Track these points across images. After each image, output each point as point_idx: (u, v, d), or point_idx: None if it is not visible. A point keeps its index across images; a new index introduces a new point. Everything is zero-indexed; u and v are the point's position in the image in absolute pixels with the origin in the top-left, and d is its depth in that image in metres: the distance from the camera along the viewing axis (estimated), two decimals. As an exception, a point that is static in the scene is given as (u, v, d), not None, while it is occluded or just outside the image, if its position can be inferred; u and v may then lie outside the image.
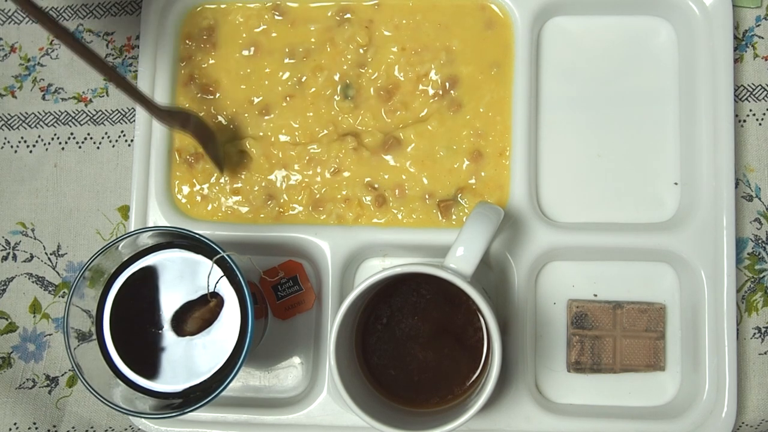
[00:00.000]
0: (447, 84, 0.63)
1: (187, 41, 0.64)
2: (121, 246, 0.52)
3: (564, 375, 0.61)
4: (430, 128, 0.62)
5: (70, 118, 0.67)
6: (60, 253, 0.66)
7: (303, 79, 0.63)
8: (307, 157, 0.63)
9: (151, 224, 0.62)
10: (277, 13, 0.64)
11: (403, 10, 0.63)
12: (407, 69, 0.63)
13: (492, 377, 0.50)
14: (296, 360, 0.63)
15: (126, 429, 0.64)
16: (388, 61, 0.63)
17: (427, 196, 0.62)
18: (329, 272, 0.61)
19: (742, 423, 0.61)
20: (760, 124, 0.63)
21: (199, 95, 0.64)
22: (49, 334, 0.65)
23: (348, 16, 0.64)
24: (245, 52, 0.64)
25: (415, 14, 0.63)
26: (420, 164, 0.62)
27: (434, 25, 0.63)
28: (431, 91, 0.63)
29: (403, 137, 0.62)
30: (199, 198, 0.63)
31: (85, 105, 0.67)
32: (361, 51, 0.63)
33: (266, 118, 0.63)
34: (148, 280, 0.53)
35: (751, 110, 0.63)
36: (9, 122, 0.67)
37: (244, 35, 0.64)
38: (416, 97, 0.63)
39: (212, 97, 0.64)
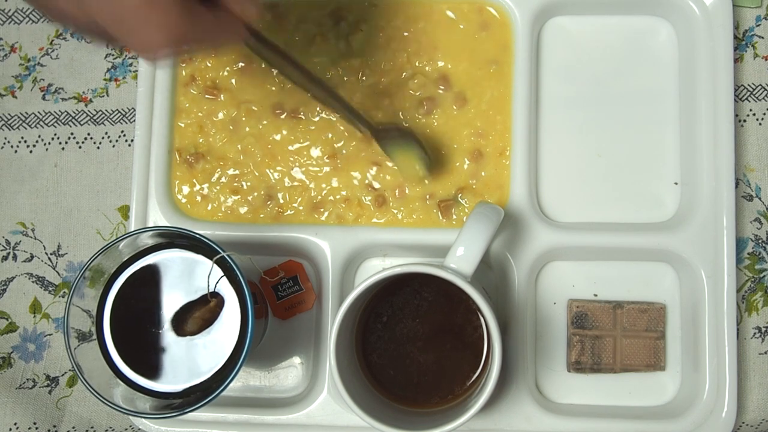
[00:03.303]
0: (446, 82, 0.63)
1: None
2: (121, 246, 0.52)
3: (564, 375, 0.61)
4: (430, 129, 0.62)
5: (70, 118, 0.67)
6: (60, 253, 0.66)
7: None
8: (307, 158, 0.63)
9: (151, 224, 0.62)
10: (275, 14, 0.64)
11: (401, 8, 0.63)
12: (405, 67, 0.63)
13: (492, 377, 0.50)
14: (296, 360, 0.63)
15: (126, 429, 0.64)
16: (384, 60, 0.63)
17: (427, 196, 0.62)
18: (329, 272, 0.61)
19: (742, 423, 0.61)
20: (760, 124, 0.63)
21: (199, 96, 0.64)
22: (49, 334, 0.65)
23: (343, 15, 0.64)
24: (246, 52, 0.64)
25: (412, 13, 0.63)
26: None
27: (432, 24, 0.63)
28: (430, 90, 0.63)
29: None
30: (199, 198, 0.63)
31: (85, 105, 0.67)
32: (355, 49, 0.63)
33: (264, 122, 0.63)
34: (148, 280, 0.53)
35: (751, 110, 0.63)
36: (9, 122, 0.67)
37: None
38: (414, 95, 0.63)
39: (213, 98, 0.64)
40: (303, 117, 0.63)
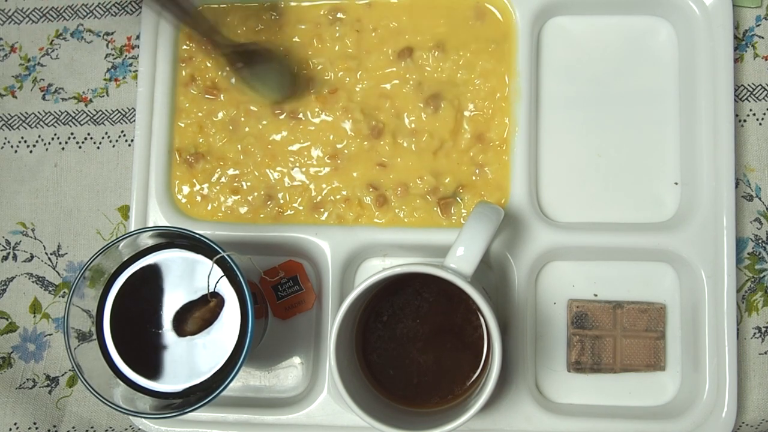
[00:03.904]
0: (442, 82, 0.63)
1: (188, 43, 0.64)
2: (121, 246, 0.52)
3: (564, 375, 0.61)
4: (427, 125, 0.62)
5: (70, 118, 0.67)
6: (60, 253, 0.66)
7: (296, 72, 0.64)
8: (307, 158, 0.63)
9: (151, 224, 0.62)
10: (274, 14, 0.64)
11: (399, 8, 0.63)
12: (401, 64, 0.63)
13: (492, 377, 0.50)
14: (296, 360, 0.63)
15: (126, 429, 0.64)
16: (379, 60, 0.63)
17: (428, 196, 0.62)
18: (329, 272, 0.61)
19: (743, 423, 0.61)
20: (760, 124, 0.63)
21: (199, 96, 0.64)
22: (49, 334, 0.65)
23: (340, 15, 0.64)
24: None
25: (410, 12, 0.63)
26: (420, 162, 0.62)
27: (430, 23, 0.63)
28: (425, 88, 0.63)
29: (402, 135, 0.62)
30: (199, 198, 0.63)
31: (85, 105, 0.67)
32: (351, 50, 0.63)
33: (264, 122, 0.63)
34: (148, 280, 0.53)
35: (751, 110, 0.63)
36: (9, 122, 0.67)
37: (242, 40, 0.64)
38: (418, 95, 0.63)
39: (213, 98, 0.64)
40: (303, 117, 0.63)
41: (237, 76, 0.62)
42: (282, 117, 0.63)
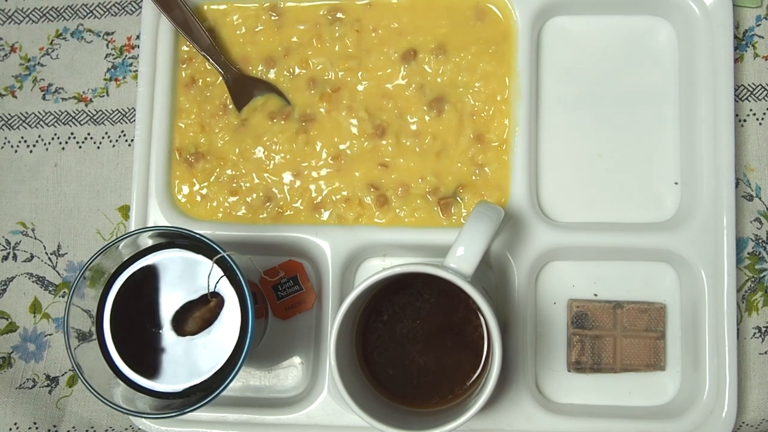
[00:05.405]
0: (442, 82, 0.63)
1: (188, 44, 0.64)
2: (121, 246, 0.52)
3: (564, 375, 0.61)
4: (429, 127, 0.62)
5: (70, 118, 0.67)
6: (60, 252, 0.66)
7: (296, 72, 0.64)
8: (309, 158, 0.63)
9: (151, 224, 0.62)
10: (273, 14, 0.64)
11: (399, 8, 0.63)
12: (402, 67, 0.63)
13: (492, 377, 0.50)
14: (296, 360, 0.63)
15: (126, 429, 0.64)
16: (380, 61, 0.63)
17: (428, 196, 0.61)
18: (329, 272, 0.61)
19: (743, 423, 0.61)
20: (760, 124, 0.63)
21: (199, 96, 0.64)
22: (50, 334, 0.65)
23: (339, 15, 0.64)
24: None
25: (409, 13, 0.63)
26: (421, 162, 0.62)
27: (431, 24, 0.63)
28: (427, 91, 0.63)
29: (403, 135, 0.62)
30: (199, 198, 0.63)
31: (85, 105, 0.67)
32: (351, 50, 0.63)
33: (266, 122, 0.63)
34: (148, 280, 0.53)
35: (751, 110, 0.63)
36: (9, 122, 0.67)
37: (241, 40, 0.64)
38: (411, 98, 0.63)
39: (213, 97, 0.64)
40: (305, 118, 0.63)
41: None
42: (283, 118, 0.63)
